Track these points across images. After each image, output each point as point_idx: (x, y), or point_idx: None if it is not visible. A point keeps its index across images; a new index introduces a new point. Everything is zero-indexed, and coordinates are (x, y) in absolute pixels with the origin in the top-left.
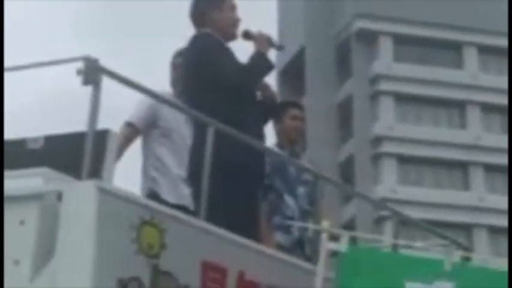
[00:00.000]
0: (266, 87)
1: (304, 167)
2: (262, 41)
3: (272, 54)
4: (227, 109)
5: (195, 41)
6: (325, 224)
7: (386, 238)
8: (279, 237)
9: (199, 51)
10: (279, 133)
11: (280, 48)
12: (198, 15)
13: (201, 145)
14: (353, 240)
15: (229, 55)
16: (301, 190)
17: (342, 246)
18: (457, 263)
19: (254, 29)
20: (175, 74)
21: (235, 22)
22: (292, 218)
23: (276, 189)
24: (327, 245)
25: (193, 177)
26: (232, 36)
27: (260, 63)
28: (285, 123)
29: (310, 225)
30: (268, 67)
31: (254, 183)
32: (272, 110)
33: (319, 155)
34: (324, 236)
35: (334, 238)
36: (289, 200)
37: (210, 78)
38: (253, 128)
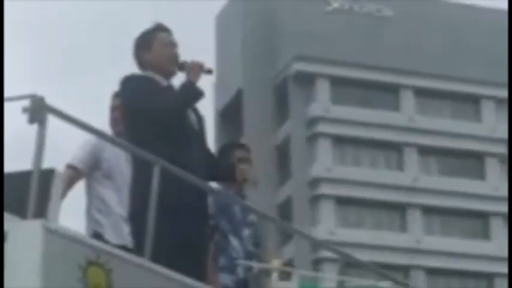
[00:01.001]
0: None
1: (250, 207)
2: (194, 69)
3: (210, 94)
4: (166, 148)
5: (123, 83)
6: (275, 262)
7: (333, 276)
8: (224, 278)
9: (128, 93)
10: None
11: (209, 72)
12: (136, 59)
13: (143, 183)
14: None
15: (162, 91)
16: (246, 232)
17: (293, 284)
18: None
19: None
20: (113, 115)
21: (168, 58)
22: (236, 259)
23: (221, 230)
24: (277, 284)
25: (135, 216)
26: (170, 73)
27: (189, 91)
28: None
29: (262, 265)
30: (198, 93)
31: (198, 222)
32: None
33: (257, 196)
34: (275, 275)
35: (282, 277)
36: (234, 241)
37: (142, 117)
38: (196, 168)
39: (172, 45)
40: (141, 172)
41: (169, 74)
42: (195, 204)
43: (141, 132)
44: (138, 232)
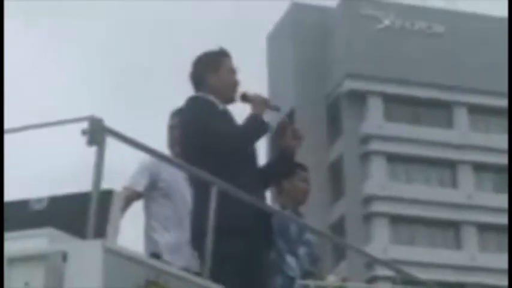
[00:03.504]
0: (289, 144)
1: (307, 225)
2: (258, 103)
3: (267, 117)
4: (225, 173)
5: (189, 104)
6: (330, 279)
7: None
8: None
9: (192, 117)
10: (287, 193)
11: (276, 109)
12: (196, 78)
13: (204, 206)
14: None
15: (224, 118)
16: (302, 250)
17: None
18: None
19: (251, 90)
20: (172, 136)
21: (233, 85)
22: (294, 278)
23: (277, 249)
24: None
25: (199, 239)
26: (231, 99)
27: (255, 126)
28: (295, 184)
29: (316, 282)
30: (263, 129)
31: (262, 244)
32: (284, 166)
33: (310, 216)
34: None
35: None
36: (291, 260)
37: (203, 143)
38: (254, 191)
39: (235, 72)
40: (201, 194)
41: (230, 101)
42: (257, 226)
43: (200, 156)
44: (199, 253)
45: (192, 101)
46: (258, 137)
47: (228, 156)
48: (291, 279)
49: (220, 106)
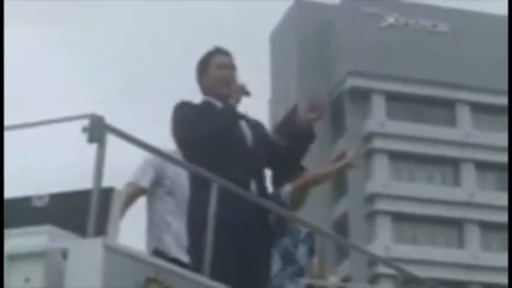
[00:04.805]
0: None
1: (304, 221)
2: (235, 91)
3: (266, 112)
4: (211, 168)
5: (173, 111)
6: (332, 278)
7: None
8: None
9: (174, 123)
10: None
11: (247, 94)
12: (197, 82)
13: (199, 201)
14: None
15: (204, 117)
16: (302, 248)
17: None
18: None
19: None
20: None
21: (220, 80)
22: (303, 268)
23: (292, 237)
24: None
25: (193, 234)
26: (223, 95)
27: (226, 114)
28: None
29: (319, 281)
30: (229, 113)
31: (259, 240)
32: (304, 142)
33: (313, 213)
34: None
35: None
36: (303, 249)
37: (187, 146)
38: (245, 184)
39: (227, 67)
40: (197, 189)
41: (222, 97)
42: (254, 221)
43: (189, 159)
44: (193, 249)
45: (175, 108)
46: (223, 122)
47: (214, 158)
48: (301, 269)
49: (218, 104)
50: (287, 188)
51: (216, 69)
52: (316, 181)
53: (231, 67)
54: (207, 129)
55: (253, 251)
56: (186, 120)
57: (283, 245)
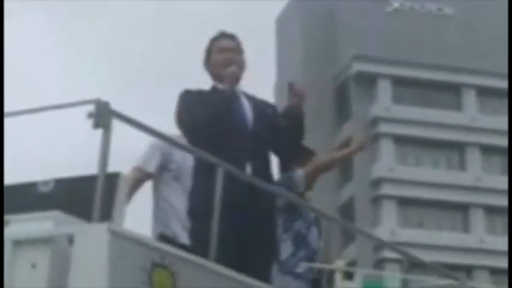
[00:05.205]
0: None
1: (311, 206)
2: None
3: (271, 95)
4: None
5: (177, 99)
6: (339, 263)
7: (397, 275)
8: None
9: (177, 110)
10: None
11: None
12: (206, 71)
13: (202, 185)
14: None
15: (204, 102)
16: (314, 230)
17: (357, 284)
18: None
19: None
20: None
21: (219, 64)
22: (316, 251)
23: (305, 220)
24: (340, 284)
25: (195, 217)
26: (220, 78)
27: (219, 98)
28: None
29: (325, 265)
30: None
31: (260, 222)
32: (293, 124)
33: (319, 198)
34: (338, 275)
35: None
36: (315, 232)
37: (187, 132)
38: (240, 165)
39: (227, 50)
40: (199, 173)
41: (220, 79)
42: (250, 203)
43: (192, 144)
44: (194, 232)
45: (180, 96)
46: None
47: (213, 142)
48: (314, 252)
49: (220, 86)
50: (300, 172)
51: (216, 53)
52: (326, 167)
53: (234, 50)
54: (203, 115)
55: (252, 233)
56: (187, 107)
57: (295, 229)
